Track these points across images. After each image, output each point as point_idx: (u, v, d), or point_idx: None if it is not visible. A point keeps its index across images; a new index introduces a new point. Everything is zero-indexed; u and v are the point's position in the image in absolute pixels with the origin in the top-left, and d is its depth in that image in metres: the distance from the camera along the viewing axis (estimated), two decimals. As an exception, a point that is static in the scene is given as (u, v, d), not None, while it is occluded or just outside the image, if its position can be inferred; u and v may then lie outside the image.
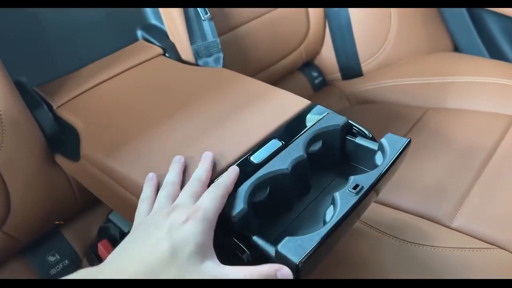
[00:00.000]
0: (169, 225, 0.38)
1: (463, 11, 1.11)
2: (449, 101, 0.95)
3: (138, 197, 0.46)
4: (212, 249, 0.39)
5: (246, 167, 0.48)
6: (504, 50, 1.10)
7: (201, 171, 0.46)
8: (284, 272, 0.37)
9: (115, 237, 0.70)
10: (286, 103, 0.57)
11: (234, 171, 0.46)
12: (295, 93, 0.59)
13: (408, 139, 0.49)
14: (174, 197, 0.44)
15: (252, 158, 0.49)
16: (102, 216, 0.73)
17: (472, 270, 0.58)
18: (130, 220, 0.46)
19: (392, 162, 0.47)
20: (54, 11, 0.67)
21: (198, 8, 0.72)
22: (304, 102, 0.57)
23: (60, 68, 0.68)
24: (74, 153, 0.57)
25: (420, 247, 0.61)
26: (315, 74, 1.15)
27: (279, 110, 0.56)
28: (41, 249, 0.72)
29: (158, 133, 0.54)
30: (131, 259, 0.37)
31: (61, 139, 0.62)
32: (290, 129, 0.53)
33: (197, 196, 0.43)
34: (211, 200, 0.41)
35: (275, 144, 0.50)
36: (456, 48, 1.17)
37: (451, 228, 0.65)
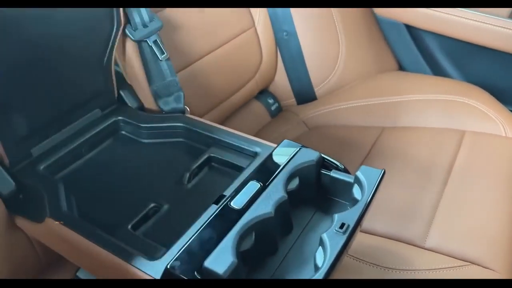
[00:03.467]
0: None
1: (404, 30, 1.17)
2: (401, 119, 0.99)
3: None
4: None
5: (228, 214, 0.46)
6: (444, 66, 1.17)
7: None
8: None
9: (85, 296, 0.65)
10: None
11: None
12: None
13: (383, 170, 0.50)
14: None
15: (232, 204, 0.47)
16: (69, 275, 0.68)
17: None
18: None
19: (372, 195, 0.47)
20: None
21: (155, 49, 0.70)
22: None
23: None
24: (37, 214, 0.53)
25: (400, 272, 0.62)
26: (270, 101, 1.15)
27: None
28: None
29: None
30: None
31: (19, 199, 0.57)
32: (265, 169, 0.52)
33: None
34: None
35: (253, 186, 0.50)
36: (401, 67, 1.23)
37: (426, 249, 0.67)
